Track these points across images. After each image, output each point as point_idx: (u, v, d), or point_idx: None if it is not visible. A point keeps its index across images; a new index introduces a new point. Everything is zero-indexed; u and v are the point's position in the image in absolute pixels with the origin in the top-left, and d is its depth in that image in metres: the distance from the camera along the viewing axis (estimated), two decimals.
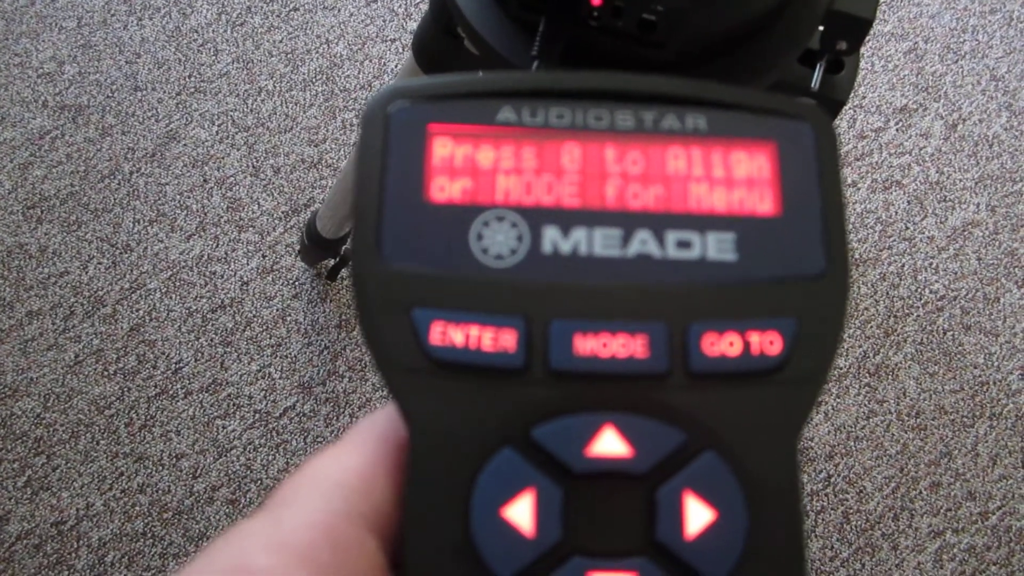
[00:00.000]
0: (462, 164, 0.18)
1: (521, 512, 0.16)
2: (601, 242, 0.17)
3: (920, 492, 0.89)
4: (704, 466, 0.16)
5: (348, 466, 0.16)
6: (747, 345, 0.17)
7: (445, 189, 0.17)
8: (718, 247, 0.17)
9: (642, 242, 0.17)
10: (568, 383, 0.16)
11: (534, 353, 0.16)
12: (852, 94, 0.53)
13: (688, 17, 0.41)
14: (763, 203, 0.18)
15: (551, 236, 0.17)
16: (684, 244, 0.17)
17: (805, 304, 0.17)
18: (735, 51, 0.46)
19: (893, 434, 0.91)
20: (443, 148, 0.18)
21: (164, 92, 1.07)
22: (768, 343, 0.17)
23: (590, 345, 0.16)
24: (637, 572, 0.16)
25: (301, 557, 0.15)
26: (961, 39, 1.14)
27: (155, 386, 0.91)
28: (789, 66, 0.50)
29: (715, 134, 0.18)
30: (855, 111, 1.07)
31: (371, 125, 0.18)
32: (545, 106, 0.18)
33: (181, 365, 0.92)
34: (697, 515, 0.16)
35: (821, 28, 0.49)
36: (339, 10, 1.13)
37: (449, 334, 0.16)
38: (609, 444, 0.16)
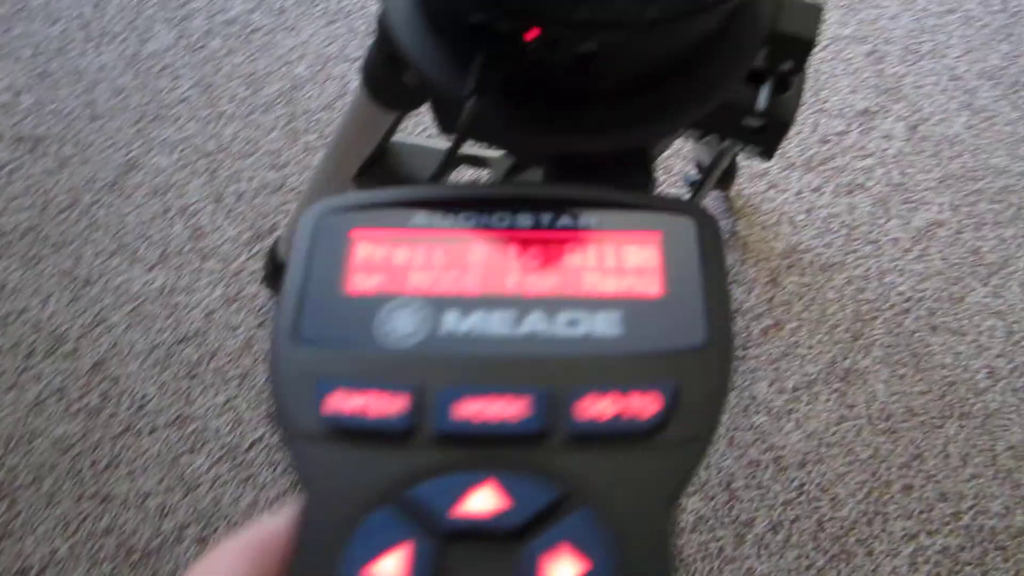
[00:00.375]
0: (379, 262, 0.20)
1: (392, 568, 0.16)
2: (496, 323, 0.19)
3: (893, 496, 0.89)
4: (575, 523, 0.17)
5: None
6: (622, 409, 0.18)
7: (361, 283, 0.20)
8: (605, 324, 0.19)
9: (534, 321, 0.19)
10: (450, 445, 0.18)
11: (421, 418, 0.18)
12: (815, 92, 0.53)
13: (625, 49, 0.40)
14: (650, 286, 0.19)
15: (451, 319, 0.19)
16: (573, 322, 0.19)
17: (684, 373, 0.18)
18: (677, 76, 0.46)
19: (864, 439, 0.91)
20: (363, 249, 0.20)
21: (123, 120, 1.06)
22: (643, 407, 0.18)
23: (472, 409, 0.18)
24: None
25: None
26: (920, 39, 1.14)
27: (119, 423, 0.90)
28: (735, 87, 0.50)
29: (607, 229, 0.20)
30: (817, 115, 1.08)
31: (303, 229, 0.20)
32: (455, 210, 0.20)
33: (146, 400, 0.91)
34: (565, 569, 0.16)
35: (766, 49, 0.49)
36: (299, 30, 1.13)
37: (344, 402, 0.18)
38: (483, 501, 0.17)
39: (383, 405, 0.18)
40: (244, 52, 1.11)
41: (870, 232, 1.02)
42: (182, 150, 1.04)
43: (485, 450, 0.17)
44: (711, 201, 1.03)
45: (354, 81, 1.08)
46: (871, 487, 0.90)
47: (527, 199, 0.20)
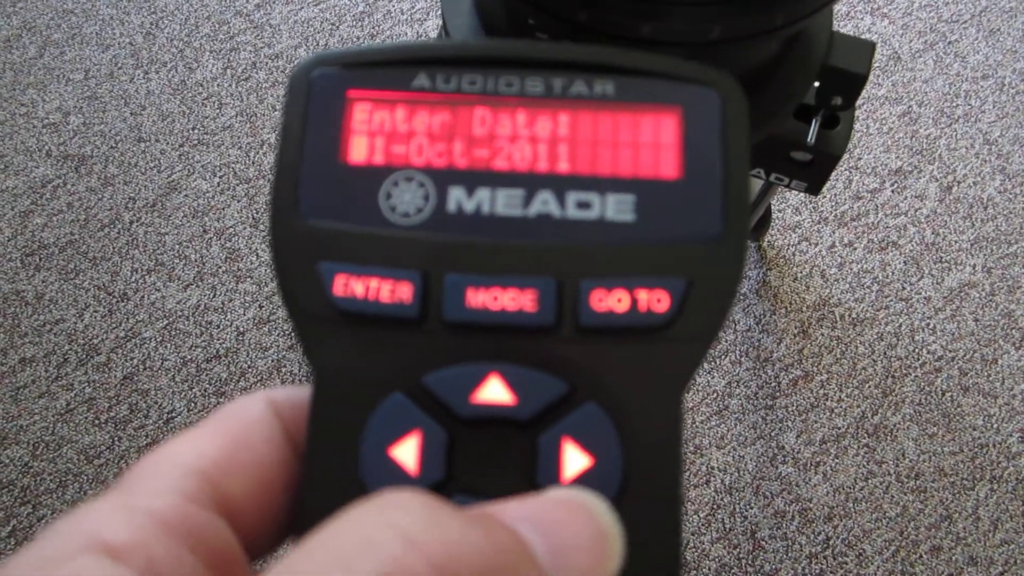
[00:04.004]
0: (378, 128, 0.19)
1: (407, 452, 0.17)
2: (504, 202, 0.18)
3: (920, 556, 0.87)
4: (584, 415, 0.17)
5: (203, 452, 0.16)
6: (635, 302, 0.17)
7: (360, 151, 0.18)
8: (617, 208, 0.18)
9: (543, 202, 0.18)
10: (460, 334, 0.17)
11: (429, 305, 0.17)
12: (848, 150, 0.54)
13: None
14: (665, 167, 0.18)
15: (456, 196, 0.18)
16: (584, 205, 0.18)
17: (697, 265, 0.18)
18: None
19: (892, 496, 0.90)
20: (361, 112, 0.19)
21: (167, 144, 1.08)
22: (656, 301, 0.17)
23: (481, 298, 0.17)
24: None
25: (158, 535, 0.14)
26: (954, 103, 1.15)
27: (146, 436, 0.90)
28: (785, 120, 0.51)
29: (622, 99, 0.19)
30: (851, 172, 1.08)
31: (295, 90, 0.19)
32: (458, 73, 0.19)
33: (173, 415, 0.91)
34: (574, 461, 0.17)
35: (816, 84, 0.49)
36: None
37: (351, 286, 0.17)
38: (494, 392, 0.17)
39: (391, 290, 0.17)
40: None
41: (902, 289, 1.02)
42: (223, 175, 1.06)
43: (493, 340, 0.17)
44: None
45: None
46: (899, 546, 0.88)
47: (537, 61, 0.19)
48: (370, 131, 0.19)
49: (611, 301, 0.17)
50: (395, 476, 0.17)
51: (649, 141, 0.18)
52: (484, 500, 0.16)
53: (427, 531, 0.13)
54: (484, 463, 0.17)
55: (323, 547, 0.13)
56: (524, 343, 0.17)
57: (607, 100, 0.19)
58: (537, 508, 0.15)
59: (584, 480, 0.17)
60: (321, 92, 0.19)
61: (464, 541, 0.13)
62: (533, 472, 0.17)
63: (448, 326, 0.17)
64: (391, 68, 0.19)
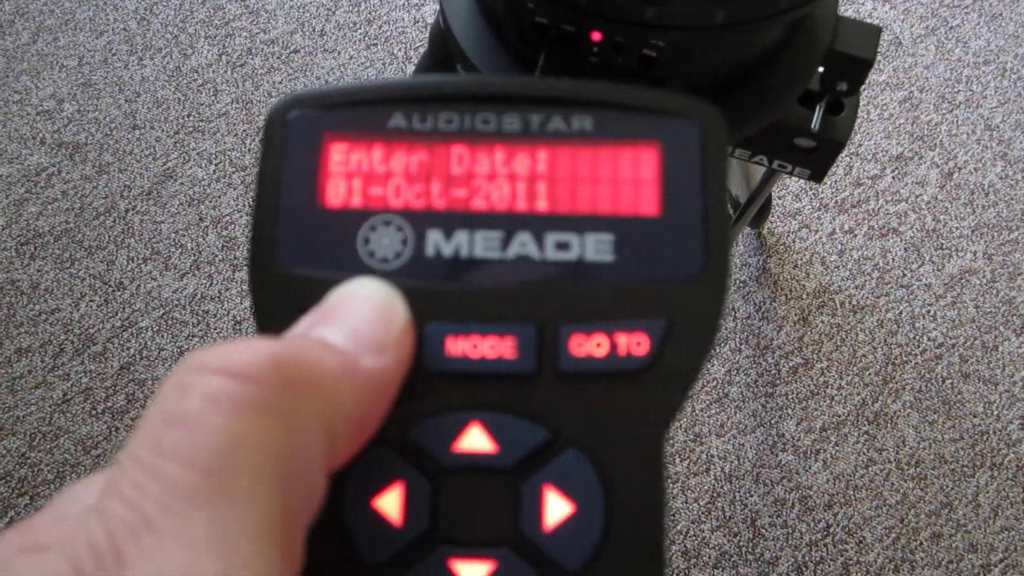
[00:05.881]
0: (355, 170, 0.18)
1: (391, 503, 0.17)
2: (482, 244, 0.18)
3: (921, 543, 0.87)
4: (565, 463, 0.17)
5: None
6: (614, 346, 0.17)
7: (338, 194, 0.18)
8: (596, 248, 0.18)
9: (522, 244, 0.18)
10: (441, 382, 0.17)
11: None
12: (851, 137, 0.53)
13: (688, 53, 0.40)
14: (645, 204, 0.18)
15: (434, 239, 0.18)
16: (563, 246, 0.18)
17: (677, 305, 0.17)
18: (735, 90, 0.46)
19: (893, 483, 0.90)
20: (337, 155, 0.18)
21: (162, 131, 1.07)
22: (635, 344, 0.17)
23: (461, 346, 0.17)
24: (497, 560, 0.16)
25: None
26: (956, 89, 1.15)
27: None
28: (789, 106, 0.50)
29: (600, 135, 0.18)
30: (851, 158, 1.08)
31: (271, 132, 0.19)
32: (435, 111, 0.18)
33: None
34: (556, 508, 0.17)
35: (821, 69, 0.49)
36: (339, 53, 1.14)
37: None
38: (476, 440, 0.17)
39: None
40: (284, 71, 1.13)
41: (902, 276, 1.01)
42: (218, 163, 1.05)
43: (473, 388, 0.17)
44: (743, 238, 1.03)
45: None
46: (899, 533, 0.88)
47: (515, 97, 0.18)
48: (347, 173, 0.18)
49: (590, 346, 0.17)
50: (380, 528, 0.16)
51: (628, 178, 0.18)
52: (469, 549, 0.16)
53: (222, 357, 0.14)
54: (468, 512, 0.17)
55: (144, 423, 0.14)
56: (505, 390, 0.17)
57: (585, 136, 0.18)
58: (320, 310, 0.17)
59: (566, 527, 0.16)
60: (298, 134, 0.18)
61: (266, 357, 0.14)
62: (517, 519, 0.17)
63: (428, 375, 0.17)
64: (367, 108, 0.19)
